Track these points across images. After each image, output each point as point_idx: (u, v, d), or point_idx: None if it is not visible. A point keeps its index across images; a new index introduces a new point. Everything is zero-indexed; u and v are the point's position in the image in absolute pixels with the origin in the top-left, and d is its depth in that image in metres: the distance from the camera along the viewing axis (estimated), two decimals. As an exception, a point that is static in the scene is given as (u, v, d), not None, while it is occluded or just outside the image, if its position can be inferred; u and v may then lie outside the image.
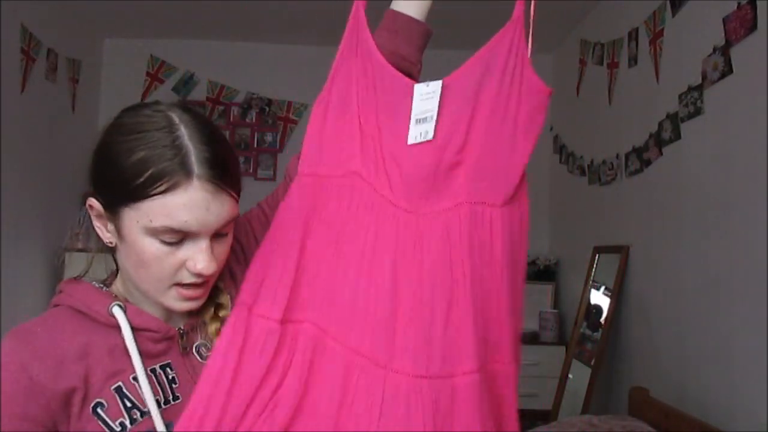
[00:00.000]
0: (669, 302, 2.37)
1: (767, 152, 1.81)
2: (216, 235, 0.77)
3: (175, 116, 0.75)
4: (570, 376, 2.97)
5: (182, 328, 0.82)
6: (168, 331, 0.80)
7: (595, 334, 2.81)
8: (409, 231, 0.76)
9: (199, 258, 0.74)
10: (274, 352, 0.73)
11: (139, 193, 0.71)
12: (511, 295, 0.74)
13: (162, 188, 0.71)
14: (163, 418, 0.75)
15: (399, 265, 0.75)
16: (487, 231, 0.74)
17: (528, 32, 0.78)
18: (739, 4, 1.95)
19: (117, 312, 0.77)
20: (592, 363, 2.73)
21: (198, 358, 0.83)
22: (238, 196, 0.78)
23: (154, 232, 0.73)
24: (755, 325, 1.85)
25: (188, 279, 0.76)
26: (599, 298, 2.88)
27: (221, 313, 0.84)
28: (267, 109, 3.94)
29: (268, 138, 3.96)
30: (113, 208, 0.75)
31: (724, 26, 2.02)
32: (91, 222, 0.80)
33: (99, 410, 0.75)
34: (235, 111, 3.94)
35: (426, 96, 0.78)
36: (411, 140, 0.77)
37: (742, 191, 1.94)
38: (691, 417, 1.99)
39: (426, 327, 0.71)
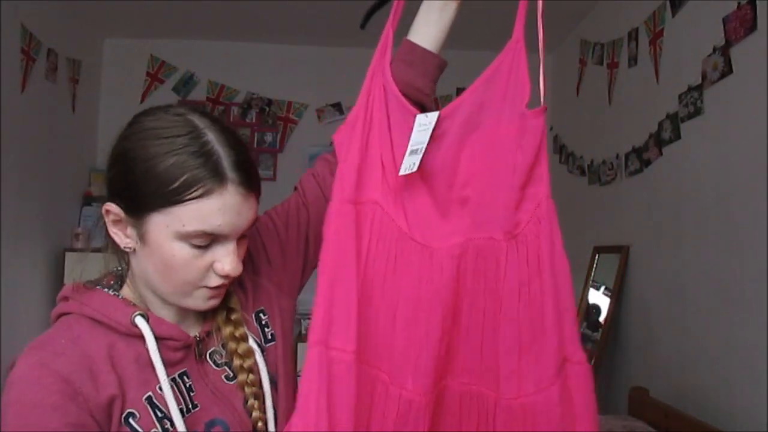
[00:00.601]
0: (669, 302, 2.37)
1: (767, 152, 1.81)
2: (240, 236, 0.78)
3: (197, 120, 0.75)
4: (570, 376, 2.97)
5: (198, 335, 0.82)
6: (187, 338, 0.80)
7: (595, 334, 2.81)
8: (423, 264, 0.77)
9: (227, 260, 0.75)
10: (357, 385, 0.73)
11: (172, 198, 0.71)
12: (528, 325, 0.72)
13: (197, 193, 0.71)
14: (187, 427, 0.75)
15: (413, 296, 0.76)
16: (492, 265, 0.74)
17: (538, 49, 0.74)
18: (739, 4, 1.95)
19: (140, 322, 0.76)
20: (592, 363, 2.73)
21: (212, 365, 0.82)
22: (260, 195, 0.79)
23: (186, 237, 0.73)
24: (755, 324, 1.85)
25: (215, 282, 0.77)
26: (599, 298, 2.88)
27: (233, 317, 0.84)
28: (267, 109, 3.94)
29: (268, 138, 3.96)
30: (137, 213, 0.74)
31: (724, 26, 2.02)
32: (106, 227, 0.79)
33: (131, 420, 0.74)
34: (235, 111, 3.94)
35: (423, 127, 0.78)
36: (402, 171, 0.77)
37: (742, 191, 1.94)
38: (691, 417, 1.99)
39: (433, 353, 0.75)
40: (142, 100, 3.85)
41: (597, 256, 3.00)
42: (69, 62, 3.37)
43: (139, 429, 0.74)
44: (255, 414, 0.81)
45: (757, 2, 1.87)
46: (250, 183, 0.75)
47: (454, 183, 0.78)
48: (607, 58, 3.01)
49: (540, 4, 0.75)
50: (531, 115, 0.73)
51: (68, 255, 3.26)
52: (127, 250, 0.78)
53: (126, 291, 0.83)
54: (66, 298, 0.80)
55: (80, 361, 0.73)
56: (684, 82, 2.28)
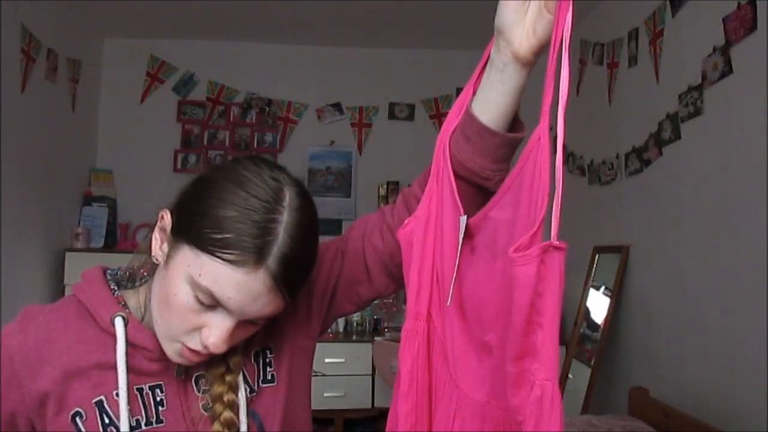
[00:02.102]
0: (669, 302, 2.37)
1: (767, 152, 1.81)
2: (246, 320, 0.74)
3: (288, 196, 0.72)
4: (570, 376, 2.97)
5: None
6: (164, 353, 0.77)
7: (594, 334, 2.81)
8: (451, 405, 0.68)
9: (215, 333, 0.71)
10: None
11: (208, 246, 0.69)
12: None
13: (229, 257, 0.68)
14: None
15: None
16: None
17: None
18: (739, 4, 1.95)
19: (117, 324, 0.76)
20: (592, 363, 2.73)
21: (194, 389, 0.80)
22: (290, 300, 0.75)
23: (195, 286, 0.70)
24: (755, 324, 1.85)
25: (193, 344, 0.73)
26: (597, 298, 2.88)
27: (227, 378, 0.80)
28: (267, 109, 3.94)
29: (268, 138, 3.96)
30: (178, 236, 0.73)
31: (724, 26, 2.02)
32: (152, 230, 0.77)
33: (78, 420, 0.74)
34: (235, 111, 3.94)
35: (461, 235, 0.65)
36: (449, 300, 0.66)
37: (742, 191, 1.94)
38: (691, 417, 1.99)
39: None
40: (142, 100, 3.85)
41: (597, 256, 2.99)
42: (69, 62, 3.37)
43: (84, 430, 0.74)
44: None
45: (757, 2, 1.88)
46: (285, 282, 0.71)
47: (482, 321, 0.64)
48: (607, 58, 3.01)
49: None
50: (520, 260, 0.53)
51: (68, 255, 3.26)
52: (154, 260, 0.76)
53: (135, 291, 0.82)
54: (82, 278, 0.82)
55: (35, 347, 0.75)
56: (684, 82, 2.28)
